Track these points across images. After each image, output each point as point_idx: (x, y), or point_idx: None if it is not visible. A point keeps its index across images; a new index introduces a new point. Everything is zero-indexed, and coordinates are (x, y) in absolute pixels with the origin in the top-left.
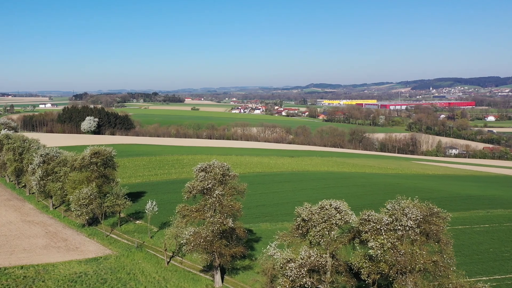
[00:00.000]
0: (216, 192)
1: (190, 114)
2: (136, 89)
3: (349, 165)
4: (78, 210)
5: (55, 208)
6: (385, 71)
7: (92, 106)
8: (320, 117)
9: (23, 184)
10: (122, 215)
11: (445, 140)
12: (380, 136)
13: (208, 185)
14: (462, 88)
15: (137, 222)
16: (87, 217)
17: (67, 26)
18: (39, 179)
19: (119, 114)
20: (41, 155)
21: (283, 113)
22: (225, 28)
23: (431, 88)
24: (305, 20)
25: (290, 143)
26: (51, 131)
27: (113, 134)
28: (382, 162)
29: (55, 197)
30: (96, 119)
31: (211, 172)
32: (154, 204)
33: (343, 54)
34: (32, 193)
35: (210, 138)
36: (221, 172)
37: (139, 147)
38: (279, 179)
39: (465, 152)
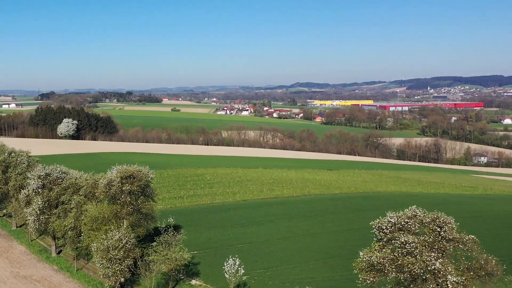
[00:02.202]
0: (451, 278)
1: (172, 116)
2: (105, 88)
3: (412, 182)
4: (108, 267)
5: (59, 252)
6: (377, 69)
7: (70, 106)
8: (317, 119)
9: (5, 212)
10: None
11: (473, 146)
12: (396, 141)
13: (433, 264)
14: (463, 88)
15: (194, 282)
16: (122, 279)
17: (28, 21)
18: (38, 212)
19: (101, 115)
20: (39, 177)
21: (274, 115)
22: (202, 26)
23: (428, 88)
24: (289, 16)
25: (299, 150)
26: (22, 136)
27: (95, 139)
28: (443, 176)
29: (63, 240)
30: (75, 122)
31: (424, 232)
32: (237, 263)
33: (330, 52)
34: (20, 226)
35: (208, 144)
36: (450, 236)
37: (135, 156)
38: (357, 205)
39: (496, 160)
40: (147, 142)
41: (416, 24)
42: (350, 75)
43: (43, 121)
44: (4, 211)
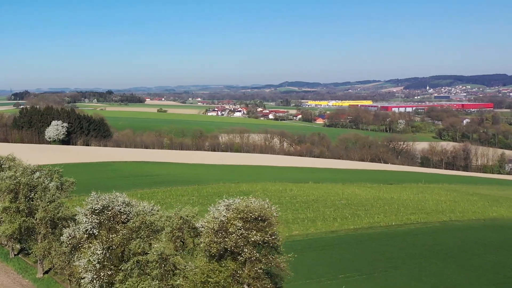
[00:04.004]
0: None
1: (160, 117)
2: (81, 88)
3: (508, 201)
4: None
5: None
6: (370, 68)
7: (58, 107)
8: (318, 121)
9: (21, 248)
10: None
11: (507, 152)
12: (418, 146)
13: None
14: (464, 88)
15: None
16: None
17: None
18: (98, 267)
19: (93, 117)
20: (93, 211)
21: (270, 116)
22: (182, 22)
23: (427, 87)
24: (276, 12)
25: (317, 156)
26: (6, 140)
27: (88, 144)
28: None
29: None
30: (65, 124)
31: None
32: None
33: (320, 49)
34: (47, 272)
35: (214, 150)
36: None
37: (150, 167)
38: (493, 240)
39: None
40: (146, 147)
41: (411, 20)
42: (342, 73)
43: (29, 124)
44: (18, 245)
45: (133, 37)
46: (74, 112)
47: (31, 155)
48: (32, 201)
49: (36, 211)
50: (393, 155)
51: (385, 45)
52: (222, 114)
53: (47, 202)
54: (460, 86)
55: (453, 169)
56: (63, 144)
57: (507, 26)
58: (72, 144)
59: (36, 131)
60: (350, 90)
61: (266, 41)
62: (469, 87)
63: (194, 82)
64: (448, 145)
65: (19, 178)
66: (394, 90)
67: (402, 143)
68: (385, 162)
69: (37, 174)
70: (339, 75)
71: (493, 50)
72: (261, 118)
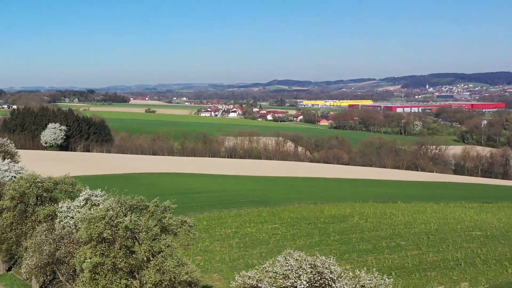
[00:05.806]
0: None
1: (150, 118)
2: (56, 86)
3: None
4: None
5: None
6: (364, 65)
7: (54, 108)
8: (323, 123)
9: None
10: None
11: None
12: (450, 151)
13: None
14: (466, 86)
15: None
16: None
17: None
18: None
19: (92, 119)
20: None
21: (269, 117)
22: (162, 17)
23: (427, 86)
24: (264, 7)
25: (346, 163)
26: None
27: (88, 150)
28: None
29: None
30: (63, 128)
31: None
32: None
33: (309, 46)
34: None
35: (231, 157)
36: None
37: (184, 180)
38: None
39: None
40: (154, 154)
41: (408, 16)
42: (334, 71)
43: (21, 127)
44: None
45: (110, 35)
46: (72, 114)
47: (28, 163)
48: (133, 253)
49: (138, 270)
50: (425, 161)
51: (379, 41)
52: (216, 115)
53: (162, 258)
54: (462, 85)
55: (491, 177)
56: (61, 150)
57: (510, 22)
58: (72, 150)
59: (30, 135)
60: (344, 89)
61: (252, 38)
62: (472, 85)
63: (176, 81)
64: (484, 150)
65: (116, 220)
66: (392, 89)
67: (434, 147)
68: (423, 170)
69: (131, 212)
70: (330, 73)
71: (495, 47)
72: (259, 119)
